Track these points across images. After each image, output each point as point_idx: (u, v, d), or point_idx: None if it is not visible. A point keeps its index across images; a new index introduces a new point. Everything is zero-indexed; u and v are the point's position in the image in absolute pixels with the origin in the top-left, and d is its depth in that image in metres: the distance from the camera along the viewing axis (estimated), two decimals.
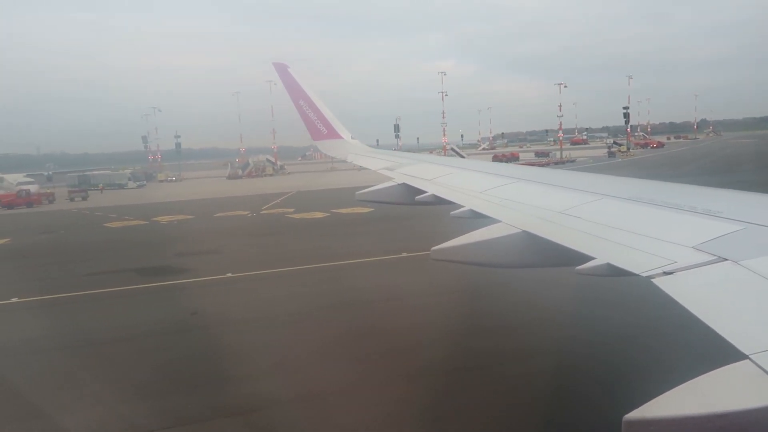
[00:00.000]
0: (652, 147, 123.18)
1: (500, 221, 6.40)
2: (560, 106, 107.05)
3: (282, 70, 15.24)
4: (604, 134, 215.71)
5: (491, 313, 14.96)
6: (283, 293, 18.49)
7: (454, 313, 15.03)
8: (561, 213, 6.16)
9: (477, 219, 7.07)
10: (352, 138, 15.61)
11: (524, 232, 5.88)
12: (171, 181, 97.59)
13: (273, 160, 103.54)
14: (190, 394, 11.08)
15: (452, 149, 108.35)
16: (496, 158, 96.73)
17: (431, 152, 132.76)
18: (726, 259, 3.91)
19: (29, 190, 65.85)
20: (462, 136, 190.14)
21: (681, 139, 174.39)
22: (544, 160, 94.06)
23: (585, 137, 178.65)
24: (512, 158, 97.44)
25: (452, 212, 7.66)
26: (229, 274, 21.25)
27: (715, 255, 4.01)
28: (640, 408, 2.66)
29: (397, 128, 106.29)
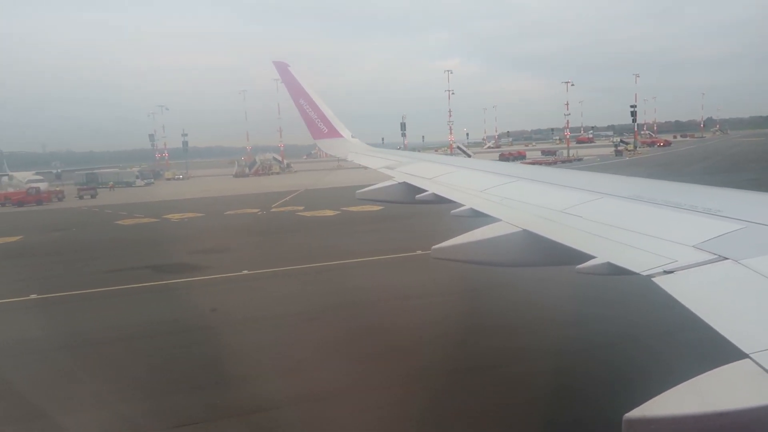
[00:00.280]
0: (659, 146, 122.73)
1: (500, 220, 6.40)
2: (567, 104, 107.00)
3: (282, 69, 15.34)
4: (610, 133, 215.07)
5: (511, 312, 15.00)
6: (301, 290, 18.64)
7: (473, 312, 15.10)
8: (561, 212, 6.17)
9: (477, 218, 7.10)
10: (352, 137, 15.72)
11: (524, 231, 5.89)
12: (178, 179, 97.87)
13: (279, 158, 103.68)
14: (232, 388, 11.20)
15: (458, 147, 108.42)
16: (503, 156, 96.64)
17: (436, 150, 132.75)
18: (726, 258, 3.92)
19: (39, 188, 66.18)
20: (467, 134, 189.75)
21: (687, 138, 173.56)
22: (551, 158, 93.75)
23: (591, 136, 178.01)
24: (519, 156, 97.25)
25: (452, 211, 7.70)
26: (246, 271, 21.38)
27: (715, 254, 4.02)
28: (640, 407, 2.67)
29: (403, 126, 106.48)
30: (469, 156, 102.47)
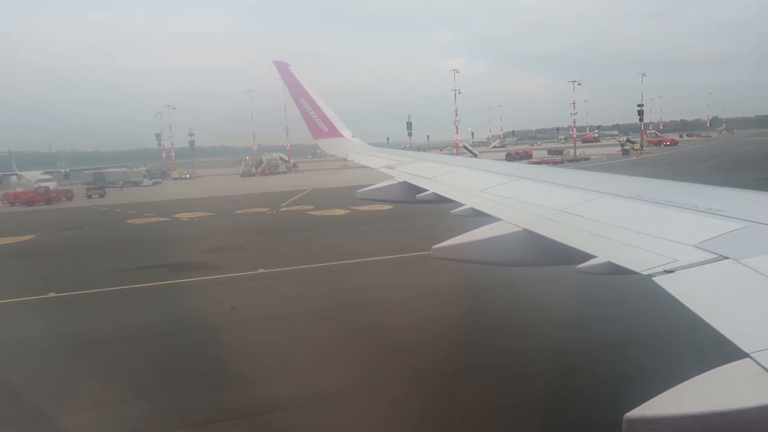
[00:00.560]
0: (666, 145, 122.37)
1: (501, 219, 6.40)
2: (574, 103, 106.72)
3: (283, 68, 15.35)
4: (615, 132, 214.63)
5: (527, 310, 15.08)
6: (318, 289, 18.71)
7: (488, 311, 15.29)
8: (562, 211, 6.16)
9: (478, 217, 7.09)
10: (353, 136, 15.77)
11: (525, 230, 5.89)
12: (185, 178, 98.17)
13: (286, 157, 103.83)
14: (261, 384, 11.34)
15: (465, 147, 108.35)
16: (509, 156, 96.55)
17: (441, 150, 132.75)
18: (727, 258, 3.91)
19: (48, 187, 66.51)
20: (472, 133, 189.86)
21: (694, 137, 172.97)
22: (558, 157, 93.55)
23: (596, 135, 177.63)
24: (525, 156, 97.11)
25: (453, 210, 7.70)
26: (261, 270, 21.47)
27: (716, 253, 4.02)
28: (641, 406, 2.67)
29: (409, 126, 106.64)
30: (476, 155, 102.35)
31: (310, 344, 13.41)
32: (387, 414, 9.83)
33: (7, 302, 18.92)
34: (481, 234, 6.15)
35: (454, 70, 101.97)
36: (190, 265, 23.41)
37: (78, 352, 13.86)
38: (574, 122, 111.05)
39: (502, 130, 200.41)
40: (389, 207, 33.65)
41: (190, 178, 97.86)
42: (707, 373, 2.76)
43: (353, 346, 13.11)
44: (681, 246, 4.32)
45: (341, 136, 15.43)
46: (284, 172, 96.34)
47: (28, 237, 35.25)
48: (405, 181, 10.27)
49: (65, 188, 71.39)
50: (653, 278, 3.91)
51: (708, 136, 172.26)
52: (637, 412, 2.66)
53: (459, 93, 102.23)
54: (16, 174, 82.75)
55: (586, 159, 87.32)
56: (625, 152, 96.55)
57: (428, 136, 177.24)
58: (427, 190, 9.18)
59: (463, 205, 7.64)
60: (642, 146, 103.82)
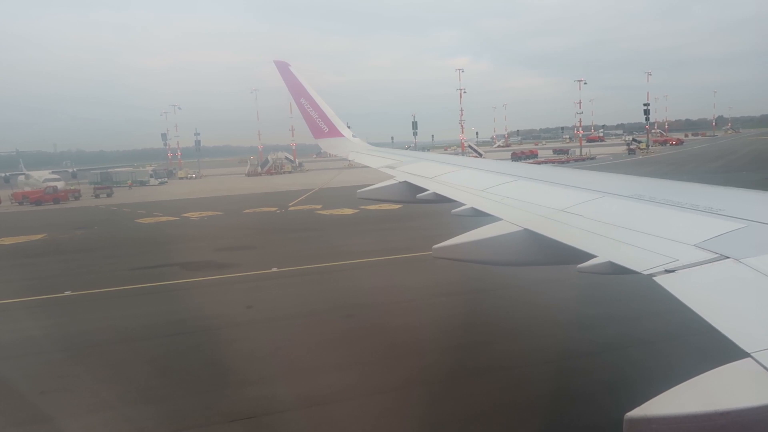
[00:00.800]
0: (672, 144, 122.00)
1: (501, 219, 6.40)
2: (580, 102, 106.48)
3: (283, 68, 15.40)
4: (619, 131, 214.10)
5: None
6: (333, 287, 18.78)
7: (504, 309, 15.34)
8: (562, 211, 6.14)
9: (478, 217, 7.09)
10: (353, 136, 15.83)
11: (525, 230, 5.88)
12: (191, 178, 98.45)
13: (291, 157, 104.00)
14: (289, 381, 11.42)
15: (470, 146, 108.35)
16: (515, 155, 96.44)
17: (446, 149, 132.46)
18: (728, 257, 3.90)
19: (56, 186, 66.85)
20: (477, 133, 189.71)
21: (699, 137, 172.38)
22: (564, 157, 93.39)
23: (601, 134, 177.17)
24: (531, 155, 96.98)
25: (453, 210, 7.69)
26: (275, 269, 21.56)
27: (716, 253, 4.00)
28: (642, 406, 2.67)
29: (415, 125, 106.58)
30: (481, 155, 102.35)
31: (331, 342, 13.45)
32: (424, 410, 9.91)
33: (25, 300, 19.06)
34: (482, 234, 6.15)
35: (459, 69, 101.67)
36: (204, 264, 23.52)
37: (106, 349, 13.90)
38: (580, 121, 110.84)
39: (506, 130, 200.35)
40: (398, 206, 33.68)
41: (196, 178, 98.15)
42: (708, 372, 2.76)
43: (374, 344, 13.16)
44: (682, 246, 4.31)
45: (342, 135, 15.52)
46: (290, 172, 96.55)
47: (40, 236, 35.42)
48: (405, 181, 10.30)
49: (73, 188, 71.70)
50: (654, 278, 3.91)
51: (713, 136, 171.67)
52: (638, 412, 2.66)
53: (465, 92, 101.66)
54: (24, 173, 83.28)
55: (592, 158, 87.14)
56: (631, 152, 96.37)
57: (432, 136, 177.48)
58: (427, 190, 9.20)
59: (463, 204, 7.67)
60: (648, 146, 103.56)
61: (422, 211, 28.30)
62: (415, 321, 14.74)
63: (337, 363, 12.13)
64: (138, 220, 41.34)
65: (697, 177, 45.68)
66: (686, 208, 5.20)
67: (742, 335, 2.95)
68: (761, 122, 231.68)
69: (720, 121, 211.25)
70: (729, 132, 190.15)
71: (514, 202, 7.14)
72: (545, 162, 79.75)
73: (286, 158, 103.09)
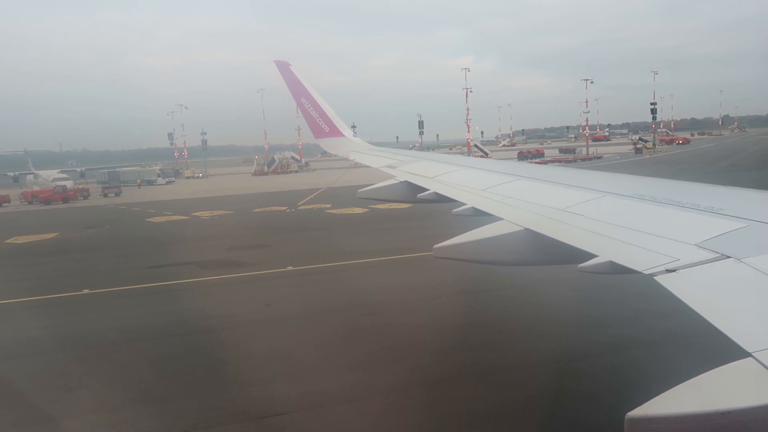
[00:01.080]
0: (678, 143, 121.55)
1: (502, 219, 6.40)
2: (586, 101, 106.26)
3: (284, 68, 15.46)
4: (624, 131, 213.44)
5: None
6: (351, 286, 18.89)
7: (519, 307, 15.40)
8: (563, 210, 6.14)
9: (479, 217, 7.11)
10: (354, 136, 15.91)
11: (526, 229, 5.89)
12: (198, 177, 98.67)
13: (297, 156, 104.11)
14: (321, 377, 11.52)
15: (476, 146, 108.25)
16: (521, 155, 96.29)
17: (451, 149, 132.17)
18: (729, 257, 3.90)
19: (66, 186, 67.16)
20: (482, 132, 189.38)
21: (705, 136, 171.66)
22: (571, 156, 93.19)
23: (607, 134, 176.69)
24: (537, 155, 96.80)
25: (454, 210, 7.71)
26: (290, 267, 21.63)
27: (717, 252, 4.00)
28: (642, 405, 2.67)
29: (421, 125, 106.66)
30: (487, 154, 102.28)
31: (352, 339, 13.55)
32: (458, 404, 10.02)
33: (45, 298, 19.20)
34: (483, 233, 6.16)
35: (465, 68, 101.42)
36: (218, 263, 23.63)
37: (134, 346, 14.01)
38: (587, 120, 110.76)
39: (512, 129, 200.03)
40: (407, 205, 33.65)
41: (203, 177, 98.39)
42: (709, 372, 2.76)
43: (396, 341, 13.21)
44: (683, 245, 4.31)
45: (342, 135, 15.61)
46: (296, 171, 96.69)
47: (52, 235, 35.62)
48: (406, 181, 10.32)
49: (82, 187, 72.03)
50: (655, 277, 3.91)
51: (720, 135, 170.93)
52: (639, 411, 2.66)
53: (471, 91, 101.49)
54: (32, 173, 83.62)
55: (599, 157, 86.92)
56: (638, 151, 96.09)
57: (437, 135, 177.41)
58: (428, 190, 9.21)
59: (464, 204, 7.68)
60: (654, 145, 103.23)
61: (431, 210, 28.28)
62: (437, 320, 14.80)
63: (362, 360, 12.21)
64: (149, 219, 41.51)
65: (706, 176, 45.57)
66: (687, 207, 5.20)
67: (742, 335, 2.95)
68: (767, 121, 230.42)
69: (726, 120, 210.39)
70: (735, 131, 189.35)
71: (515, 201, 7.16)
72: (552, 161, 79.61)
73: (293, 158, 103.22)
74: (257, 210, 42.96)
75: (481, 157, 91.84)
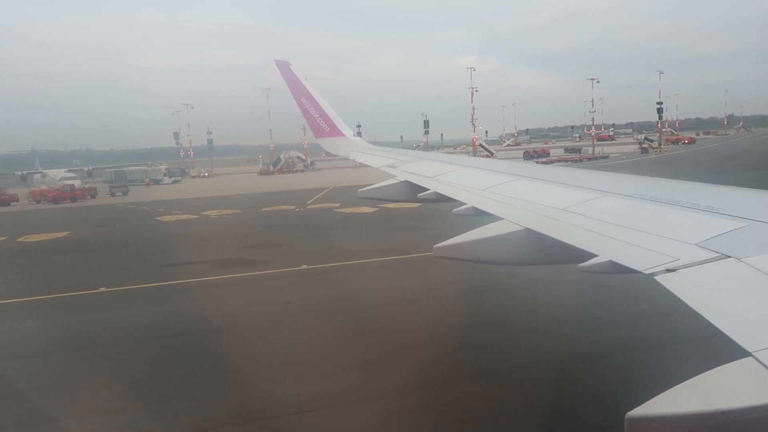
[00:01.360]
0: (684, 143, 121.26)
1: (502, 218, 6.41)
2: (593, 101, 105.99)
3: (284, 67, 15.50)
4: (629, 130, 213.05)
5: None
6: (369, 285, 18.87)
7: (535, 306, 15.43)
8: (563, 210, 6.14)
9: (479, 216, 7.12)
10: (354, 135, 15.94)
11: (526, 229, 5.89)
12: (204, 176, 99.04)
13: (303, 156, 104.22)
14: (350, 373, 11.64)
15: (481, 145, 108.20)
16: (527, 154, 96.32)
17: (455, 148, 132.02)
18: (729, 257, 3.90)
19: (74, 185, 67.47)
20: (486, 132, 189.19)
21: (711, 135, 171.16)
22: (577, 156, 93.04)
23: (612, 133, 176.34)
24: (543, 154, 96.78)
25: (454, 210, 7.72)
26: (305, 266, 21.68)
27: (718, 252, 4.01)
28: (642, 405, 2.67)
29: (426, 124, 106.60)
30: (492, 154, 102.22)
31: (375, 337, 13.60)
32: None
33: (61, 297, 19.30)
34: (483, 233, 6.17)
35: (470, 68, 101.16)
36: (232, 261, 23.71)
37: (157, 344, 14.09)
38: (593, 120, 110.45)
39: (516, 129, 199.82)
40: (417, 205, 33.66)
41: (209, 177, 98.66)
42: (709, 371, 2.76)
43: (422, 340, 13.23)
44: (683, 245, 4.31)
45: (342, 135, 15.62)
46: (301, 171, 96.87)
47: (64, 233, 35.79)
48: (407, 180, 10.35)
49: (90, 186, 72.32)
50: (655, 277, 3.91)
51: (725, 134, 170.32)
52: (639, 411, 2.66)
53: (477, 91, 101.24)
54: (40, 172, 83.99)
55: (605, 157, 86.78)
56: (644, 150, 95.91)
57: (442, 135, 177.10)
58: (428, 189, 9.23)
59: (464, 204, 7.69)
60: (660, 144, 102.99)
61: (439, 210, 28.34)
62: (456, 318, 14.83)
63: (391, 357, 12.29)
64: (158, 218, 41.66)
65: (716, 175, 45.46)
66: (687, 207, 5.21)
67: (742, 334, 2.95)
68: None
69: (731, 119, 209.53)
70: (741, 130, 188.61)
71: (515, 201, 7.17)
72: (558, 161, 79.60)
73: (298, 157, 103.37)
74: (266, 209, 43.05)
75: (487, 156, 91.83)
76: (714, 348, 3.31)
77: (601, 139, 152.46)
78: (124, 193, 68.61)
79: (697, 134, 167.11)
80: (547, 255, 5.80)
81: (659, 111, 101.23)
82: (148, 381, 11.81)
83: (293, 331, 14.52)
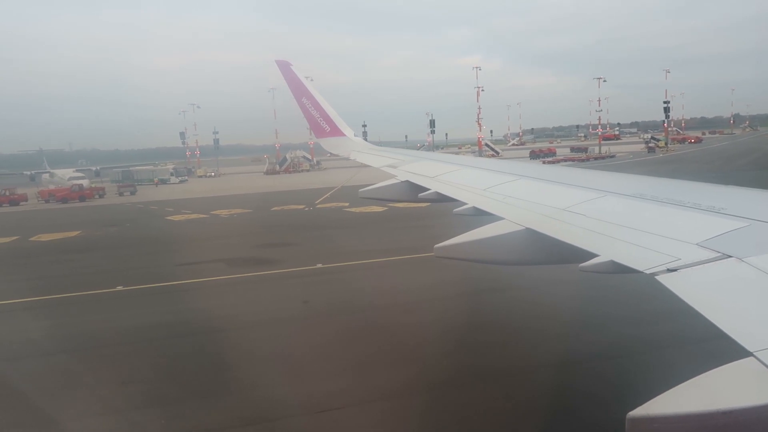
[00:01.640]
0: (690, 142, 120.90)
1: (503, 218, 6.41)
2: (599, 100, 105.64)
3: (285, 68, 15.55)
4: (634, 129, 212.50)
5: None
6: (387, 283, 18.84)
7: (548, 305, 15.43)
8: (564, 210, 6.13)
9: (480, 216, 7.12)
10: (355, 135, 15.97)
11: (527, 229, 5.89)
12: (210, 176, 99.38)
13: (309, 156, 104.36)
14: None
15: (487, 145, 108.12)
16: (534, 153, 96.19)
17: (460, 148, 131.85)
18: (730, 256, 3.90)
19: (82, 185, 67.79)
20: (491, 132, 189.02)
21: (717, 134, 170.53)
22: (583, 155, 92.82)
23: (617, 133, 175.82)
24: (549, 153, 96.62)
25: (455, 209, 7.73)
26: (320, 265, 21.73)
27: (719, 252, 4.01)
28: (644, 405, 2.67)
29: (432, 124, 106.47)
30: (498, 153, 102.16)
31: (394, 336, 13.67)
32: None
33: (80, 295, 19.44)
34: (484, 233, 6.17)
35: (476, 67, 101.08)
36: (247, 260, 23.80)
37: (180, 341, 14.24)
38: (599, 119, 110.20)
39: (521, 128, 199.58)
40: (426, 205, 33.65)
41: (215, 176, 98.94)
42: (711, 371, 2.77)
43: (440, 337, 13.32)
44: (684, 245, 4.31)
45: (343, 135, 15.68)
46: (307, 170, 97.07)
47: (75, 233, 36.04)
48: (407, 180, 10.36)
49: (98, 186, 72.61)
50: (656, 277, 3.91)
51: (731, 134, 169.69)
52: (640, 411, 2.66)
53: (483, 90, 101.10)
54: (48, 172, 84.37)
55: (612, 156, 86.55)
56: (651, 150, 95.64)
57: (446, 134, 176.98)
58: (429, 189, 9.25)
59: (465, 204, 7.69)
60: (667, 143, 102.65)
61: (448, 209, 28.42)
62: (475, 317, 14.88)
63: (414, 355, 12.38)
64: (168, 218, 41.87)
65: (727, 175, 45.28)
66: (688, 207, 5.20)
67: (744, 334, 2.95)
68: None
69: (737, 118, 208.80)
70: (747, 129, 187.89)
71: (516, 201, 7.17)
72: (565, 160, 79.45)
73: (304, 157, 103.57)
74: (276, 208, 43.16)
75: (492, 156, 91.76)
76: (715, 348, 3.33)
77: (606, 138, 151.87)
78: (132, 193, 68.92)
79: (703, 133, 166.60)
80: (547, 255, 5.81)
81: (666, 110, 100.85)
82: (190, 376, 12.05)
83: (315, 329, 14.55)
